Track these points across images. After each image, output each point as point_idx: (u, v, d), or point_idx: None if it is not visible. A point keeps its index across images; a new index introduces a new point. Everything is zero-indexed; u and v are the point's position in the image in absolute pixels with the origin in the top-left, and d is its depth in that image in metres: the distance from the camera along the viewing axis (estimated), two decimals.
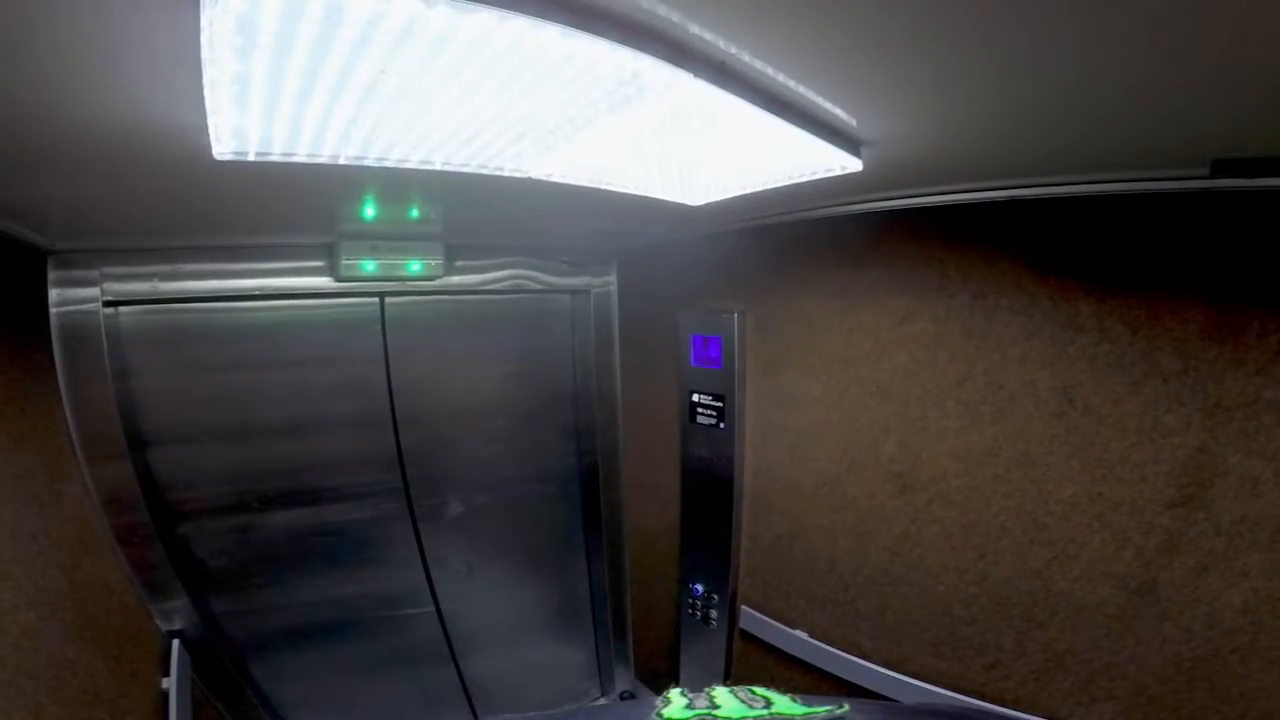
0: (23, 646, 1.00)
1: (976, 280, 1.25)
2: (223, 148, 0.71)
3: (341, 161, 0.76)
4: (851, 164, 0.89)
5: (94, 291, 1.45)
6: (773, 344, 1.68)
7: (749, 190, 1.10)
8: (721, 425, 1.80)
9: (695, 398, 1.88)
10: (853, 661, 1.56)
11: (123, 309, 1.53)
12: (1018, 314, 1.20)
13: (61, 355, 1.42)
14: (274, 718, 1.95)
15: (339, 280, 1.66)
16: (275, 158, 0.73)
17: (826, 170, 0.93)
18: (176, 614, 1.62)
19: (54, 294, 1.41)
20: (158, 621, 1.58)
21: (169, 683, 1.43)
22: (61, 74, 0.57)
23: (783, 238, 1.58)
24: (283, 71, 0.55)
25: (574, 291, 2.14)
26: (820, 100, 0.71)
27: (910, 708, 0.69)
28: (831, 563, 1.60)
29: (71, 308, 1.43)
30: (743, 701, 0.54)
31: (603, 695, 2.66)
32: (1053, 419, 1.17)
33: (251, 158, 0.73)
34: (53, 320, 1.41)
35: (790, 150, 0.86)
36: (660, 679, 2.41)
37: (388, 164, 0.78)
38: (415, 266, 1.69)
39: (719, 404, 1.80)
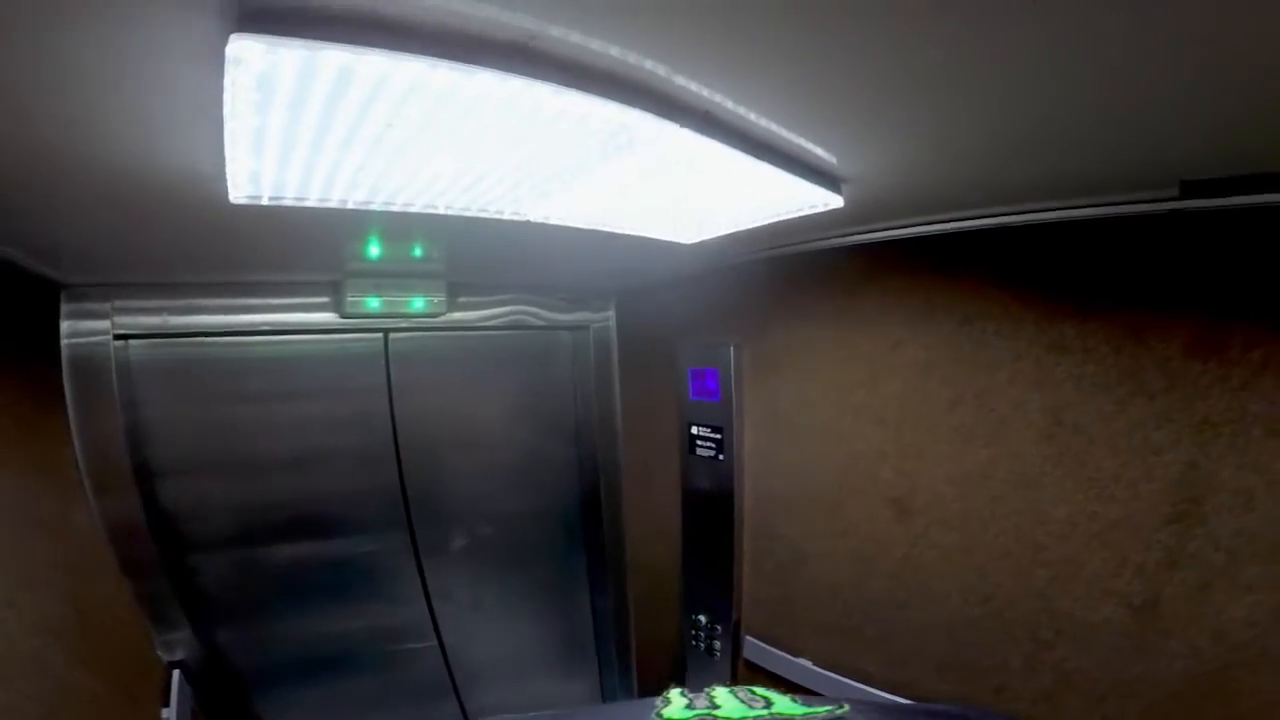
0: (28, 671, 1.01)
1: (963, 306, 1.29)
2: (238, 193, 0.75)
3: (350, 206, 0.80)
4: (834, 200, 0.93)
5: (105, 324, 1.48)
6: (769, 375, 1.71)
7: (738, 229, 1.14)
8: (721, 457, 1.82)
9: (695, 430, 1.90)
10: (859, 689, 1.54)
11: (133, 342, 1.56)
12: (1004, 338, 1.23)
13: (71, 386, 1.44)
14: None
15: (344, 316, 1.70)
16: (288, 202, 0.77)
17: (810, 207, 0.97)
18: (179, 645, 1.62)
19: (66, 326, 1.44)
20: (159, 652, 1.58)
21: (168, 713, 1.42)
22: (87, 118, 0.60)
23: (775, 271, 1.62)
24: (297, 124, 0.60)
25: (574, 328, 2.17)
26: (801, 141, 0.75)
27: (911, 708, 0.68)
28: (835, 589, 1.59)
29: (82, 340, 1.46)
30: (743, 702, 0.53)
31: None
32: (1044, 440, 1.19)
33: (265, 202, 0.77)
34: (64, 352, 1.43)
35: (775, 190, 0.90)
36: None
37: (393, 208, 0.82)
38: (418, 304, 1.73)
39: (718, 436, 1.82)
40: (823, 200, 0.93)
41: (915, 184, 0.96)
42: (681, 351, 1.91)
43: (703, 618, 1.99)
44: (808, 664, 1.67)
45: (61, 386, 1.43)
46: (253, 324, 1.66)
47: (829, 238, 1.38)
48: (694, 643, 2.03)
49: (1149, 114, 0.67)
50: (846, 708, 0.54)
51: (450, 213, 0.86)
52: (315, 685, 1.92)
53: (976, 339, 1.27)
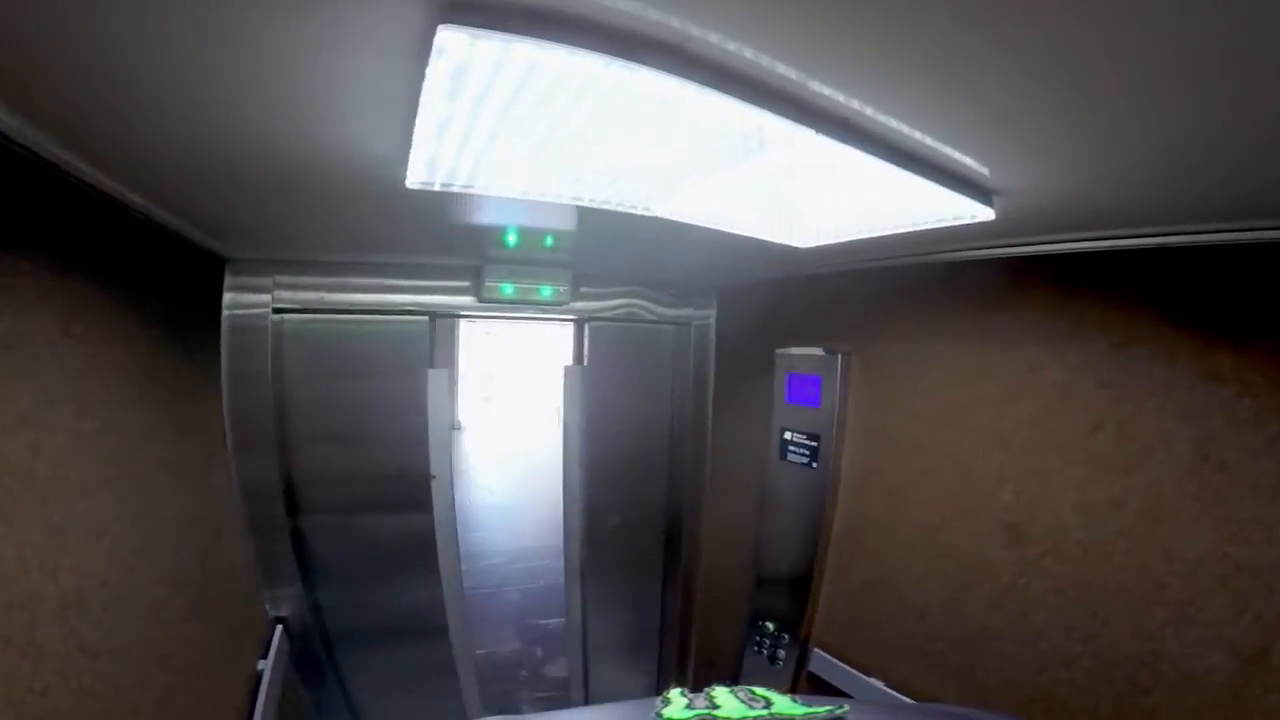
0: (148, 618, 1.06)
1: (1115, 329, 1.20)
2: (415, 178, 0.84)
3: (508, 195, 0.89)
4: (983, 213, 0.89)
5: (265, 298, 1.63)
6: (880, 386, 1.66)
7: (866, 235, 1.13)
8: (814, 465, 1.80)
9: (787, 435, 1.88)
10: None
11: (288, 316, 1.70)
12: (1158, 364, 1.14)
13: (228, 354, 1.59)
14: (350, 709, 2.09)
15: (480, 301, 1.81)
16: (456, 188, 0.87)
17: (955, 218, 0.94)
18: (285, 601, 1.76)
19: (228, 298, 1.59)
20: (266, 606, 1.72)
21: (265, 664, 1.50)
22: (279, 107, 0.65)
23: (899, 280, 1.58)
24: (480, 114, 0.66)
25: (677, 323, 2.22)
26: (950, 151, 0.72)
27: (911, 708, 0.64)
28: (923, 612, 1.53)
29: (243, 312, 1.61)
30: (743, 702, 0.53)
31: None
32: (1186, 475, 1.09)
33: (437, 187, 0.87)
34: (225, 322, 1.58)
35: (916, 199, 0.88)
36: None
37: (544, 198, 0.90)
38: (546, 291, 1.82)
39: (813, 443, 1.80)
40: (970, 212, 0.90)
41: (1074, 198, 0.90)
42: (781, 355, 1.91)
43: (770, 625, 1.97)
44: (879, 684, 1.62)
45: (219, 354, 1.56)
46: (400, 304, 1.79)
47: (969, 249, 1.33)
48: (756, 649, 2.02)
49: None
50: (846, 707, 0.53)
51: (591, 205, 0.93)
52: (401, 651, 2.05)
53: (1125, 364, 1.18)
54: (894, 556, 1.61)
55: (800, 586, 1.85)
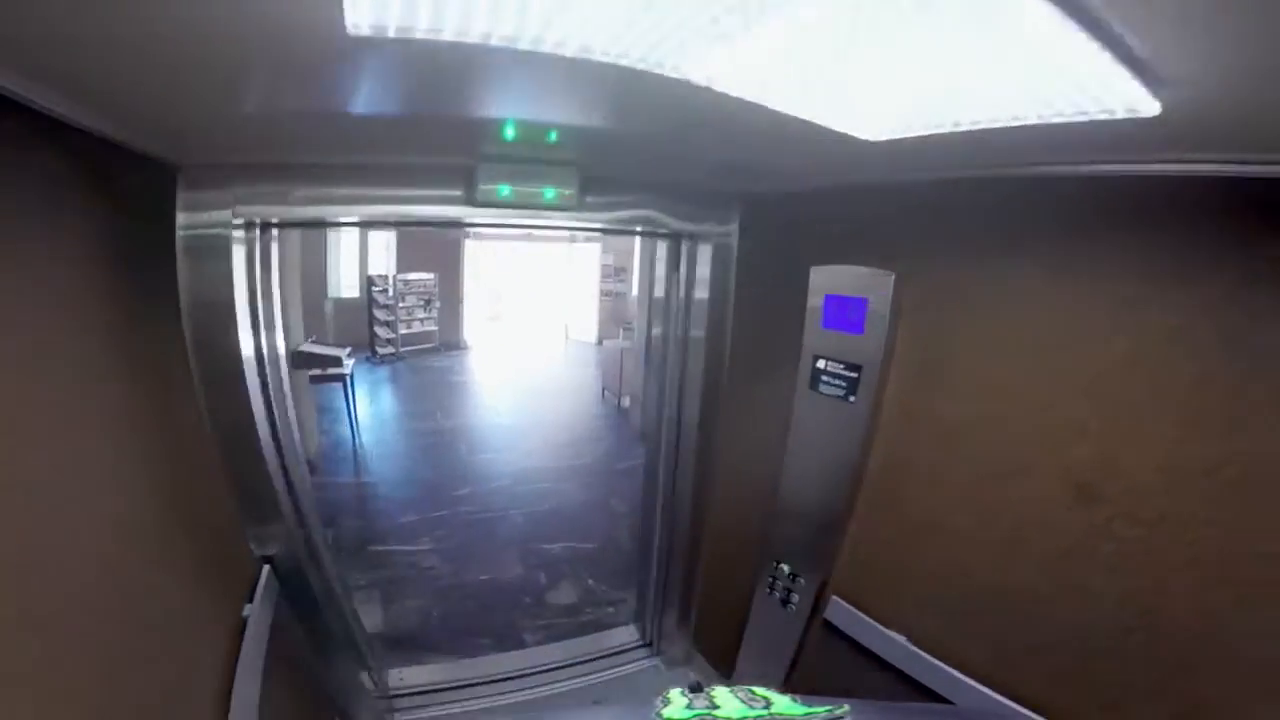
0: (102, 576, 0.95)
1: (1243, 269, 0.97)
2: (358, 18, 0.61)
3: (493, 43, 0.65)
4: (1144, 105, 0.65)
5: (225, 214, 1.39)
6: (939, 315, 1.44)
7: (963, 127, 0.86)
8: (852, 399, 1.61)
9: (820, 364, 1.69)
10: (951, 675, 1.39)
11: (251, 231, 1.48)
12: None
13: (186, 277, 1.37)
14: (354, 649, 2.07)
15: (475, 206, 1.59)
16: (419, 35, 0.63)
17: (1101, 110, 0.69)
18: (271, 539, 1.63)
19: (183, 216, 1.35)
20: (251, 545, 1.59)
21: (250, 609, 1.39)
22: None
23: (972, 194, 1.31)
24: None
25: (694, 236, 2.01)
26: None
27: (912, 708, 0.62)
28: (964, 568, 1.41)
29: (199, 231, 1.37)
30: (743, 702, 0.53)
31: (645, 641, 2.68)
32: None
33: (391, 34, 0.63)
34: (179, 242, 1.35)
35: (1044, 74, 0.65)
36: (719, 648, 2.38)
37: (543, 49, 0.66)
38: (549, 194, 1.60)
39: (852, 375, 1.60)
40: (1124, 103, 0.66)
41: (1255, 105, 0.66)
42: (818, 274, 1.68)
43: (785, 567, 1.89)
44: (901, 639, 1.53)
45: (175, 277, 1.34)
46: (381, 214, 1.58)
47: (1078, 163, 1.06)
48: (769, 590, 1.95)
49: None
50: (846, 707, 0.54)
51: (605, 59, 0.69)
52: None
53: (1254, 310, 0.96)
54: (937, 506, 1.46)
55: (824, 529, 1.73)
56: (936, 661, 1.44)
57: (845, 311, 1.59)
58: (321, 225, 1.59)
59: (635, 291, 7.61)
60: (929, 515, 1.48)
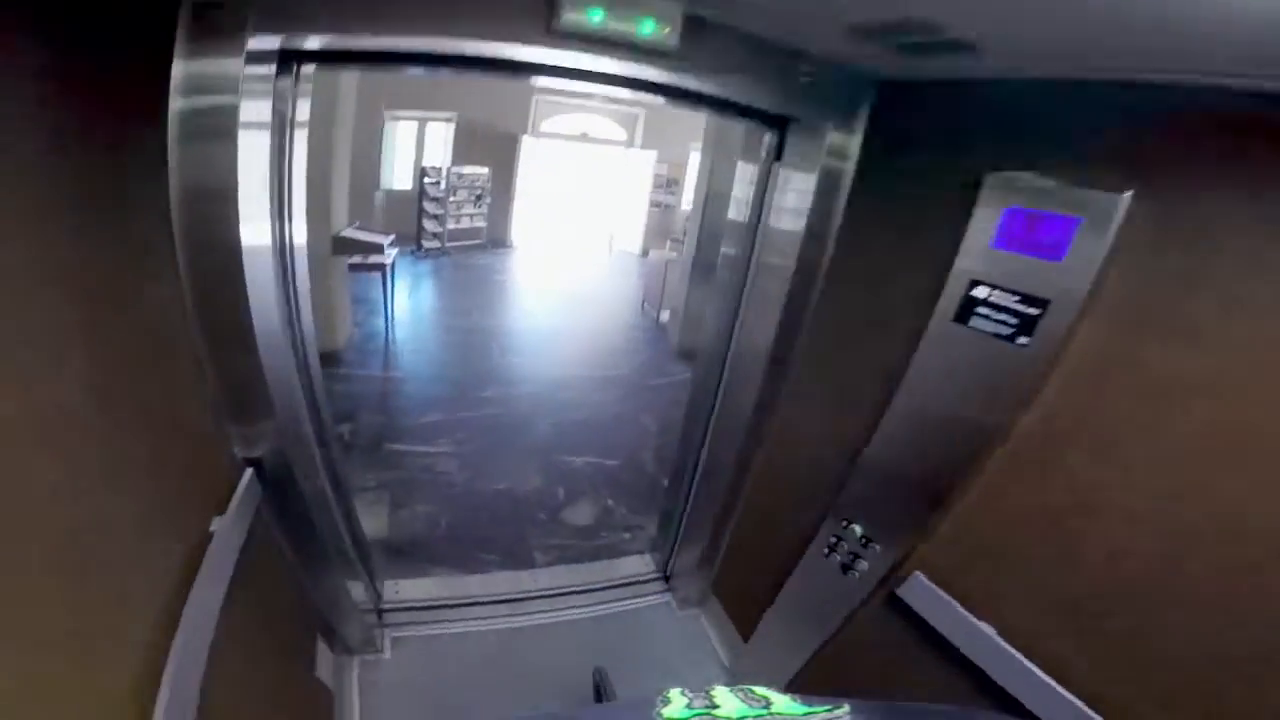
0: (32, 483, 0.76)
1: None
2: None
3: None
4: None
5: (238, 42, 1.03)
6: (1184, 253, 1.02)
7: None
8: (1022, 340, 1.20)
9: (979, 291, 1.27)
10: (1044, 683, 1.15)
11: (274, 69, 1.14)
12: None
13: (178, 130, 1.04)
14: (345, 556, 1.86)
15: (556, 40, 1.24)
16: None
17: None
18: (259, 439, 1.36)
19: (180, 56, 1.00)
20: (235, 448, 1.34)
21: (221, 522, 1.17)
22: None
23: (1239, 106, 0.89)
24: None
25: (808, 121, 1.62)
26: None
27: (912, 708, 0.55)
28: (1116, 560, 1.10)
29: (202, 67, 1.02)
30: (743, 701, 0.53)
31: (661, 575, 2.51)
32: None
33: None
34: (174, 85, 1.01)
35: None
36: (740, 599, 2.18)
37: None
38: (648, 27, 1.28)
39: (1030, 310, 1.18)
40: None
41: None
42: (1004, 179, 1.24)
43: (858, 528, 1.58)
44: (989, 631, 1.27)
45: (165, 129, 1.03)
46: (440, 47, 1.25)
47: None
48: (827, 551, 1.65)
49: None
50: (846, 707, 0.51)
51: None
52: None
53: None
54: (1106, 483, 1.11)
55: (923, 494, 1.40)
56: (1026, 661, 1.19)
57: (1040, 230, 1.16)
58: (362, 60, 1.27)
59: (686, 205, 7.46)
60: (1089, 494, 1.14)
